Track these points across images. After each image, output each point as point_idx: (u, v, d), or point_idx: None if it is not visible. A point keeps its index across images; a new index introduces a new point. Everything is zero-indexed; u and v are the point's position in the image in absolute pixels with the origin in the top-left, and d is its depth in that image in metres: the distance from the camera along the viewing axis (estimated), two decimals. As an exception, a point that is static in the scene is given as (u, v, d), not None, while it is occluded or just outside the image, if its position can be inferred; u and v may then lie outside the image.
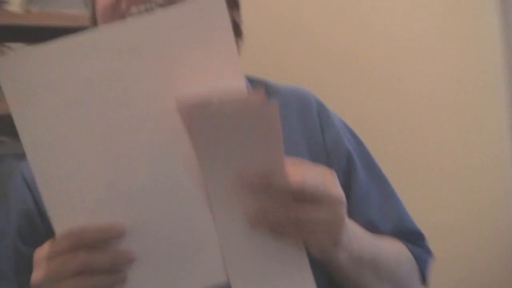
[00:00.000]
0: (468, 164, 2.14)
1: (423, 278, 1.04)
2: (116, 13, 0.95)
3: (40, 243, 0.88)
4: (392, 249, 1.00)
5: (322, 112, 1.08)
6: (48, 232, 0.87)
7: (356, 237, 0.85)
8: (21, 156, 0.74)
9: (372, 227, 0.98)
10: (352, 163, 1.05)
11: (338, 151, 1.05)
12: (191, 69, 0.71)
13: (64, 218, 0.72)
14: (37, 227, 1.00)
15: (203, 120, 0.68)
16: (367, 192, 1.05)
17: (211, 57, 0.71)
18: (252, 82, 1.06)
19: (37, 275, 0.76)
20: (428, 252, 1.06)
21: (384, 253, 0.96)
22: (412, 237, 1.06)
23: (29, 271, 0.89)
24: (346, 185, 1.01)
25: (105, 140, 0.70)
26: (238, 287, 0.75)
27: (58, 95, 0.67)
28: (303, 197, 0.73)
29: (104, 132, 0.69)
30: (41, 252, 0.77)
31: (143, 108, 0.70)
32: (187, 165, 0.72)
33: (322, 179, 0.75)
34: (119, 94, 0.69)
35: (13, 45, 2.64)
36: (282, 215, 0.74)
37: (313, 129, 1.05)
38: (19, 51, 0.65)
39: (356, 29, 2.29)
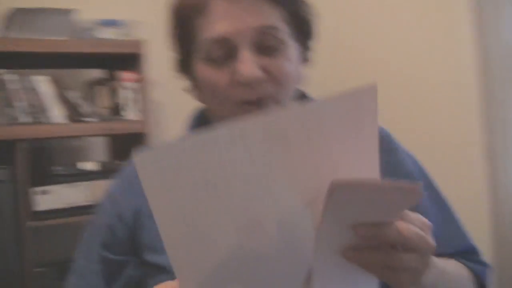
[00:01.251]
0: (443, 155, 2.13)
1: None
2: (229, 98, 1.02)
3: (122, 248, 1.10)
4: (456, 273, 1.06)
5: (388, 142, 1.17)
6: (129, 238, 1.10)
7: (431, 270, 0.87)
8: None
9: None
10: None
11: (399, 172, 1.13)
12: (333, 159, 0.75)
13: (190, 277, 0.77)
14: (118, 234, 1.10)
15: (345, 198, 0.72)
16: (426, 210, 1.04)
17: (355, 150, 0.76)
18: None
19: None
20: (486, 266, 1.13)
21: (451, 279, 1.01)
22: (469, 254, 1.13)
23: (117, 277, 1.10)
24: None
25: (240, 215, 0.74)
26: None
27: (198, 181, 0.71)
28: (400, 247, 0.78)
29: (240, 210, 0.74)
30: None
31: (279, 189, 0.74)
32: (308, 230, 0.77)
33: (421, 231, 0.79)
34: (260, 177, 0.73)
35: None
36: (377, 258, 0.78)
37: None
38: (160, 146, 0.69)
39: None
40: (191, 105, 3.82)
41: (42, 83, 2.76)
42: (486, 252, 1.19)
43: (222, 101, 1.04)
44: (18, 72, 2.76)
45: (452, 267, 1.07)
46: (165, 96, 3.41)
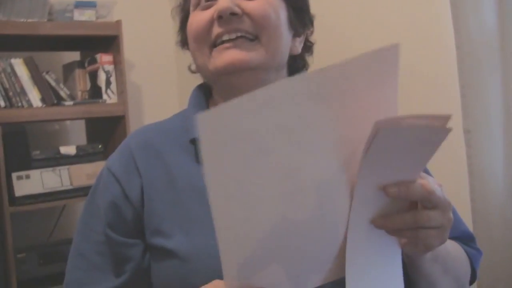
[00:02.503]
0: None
1: (473, 275, 1.14)
2: (208, 40, 1.06)
3: (128, 230, 1.07)
4: (454, 250, 1.09)
5: None
6: (136, 220, 1.06)
7: None
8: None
9: None
10: None
11: None
12: (362, 115, 0.77)
13: (233, 251, 0.78)
14: (125, 214, 1.07)
15: (386, 138, 0.76)
16: None
17: (379, 104, 0.80)
18: None
19: None
20: (479, 252, 1.16)
21: (450, 252, 1.04)
22: (465, 239, 1.16)
23: (123, 259, 1.06)
24: None
25: (285, 178, 0.76)
26: (350, 279, 0.84)
27: (249, 142, 0.72)
28: (425, 204, 0.82)
29: (286, 172, 0.75)
30: None
31: (322, 148, 0.77)
32: (345, 193, 0.81)
33: (440, 187, 0.83)
34: (305, 136, 0.75)
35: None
36: (406, 220, 0.82)
37: None
38: (218, 107, 0.70)
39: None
40: (168, 86, 3.79)
41: (19, 66, 2.71)
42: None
43: (202, 42, 1.07)
44: (-6, 55, 2.71)
45: (452, 245, 1.10)
46: (142, 78, 3.39)
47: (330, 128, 0.77)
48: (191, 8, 1.11)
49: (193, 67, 1.17)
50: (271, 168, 0.74)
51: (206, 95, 1.18)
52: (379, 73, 0.79)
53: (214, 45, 1.05)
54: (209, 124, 0.69)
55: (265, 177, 0.74)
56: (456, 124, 2.02)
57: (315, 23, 1.20)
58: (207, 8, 1.07)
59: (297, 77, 0.75)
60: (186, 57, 1.19)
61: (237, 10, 1.03)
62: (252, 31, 1.04)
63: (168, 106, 3.35)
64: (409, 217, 0.82)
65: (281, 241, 0.79)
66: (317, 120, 0.75)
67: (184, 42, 1.17)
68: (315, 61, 1.21)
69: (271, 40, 1.05)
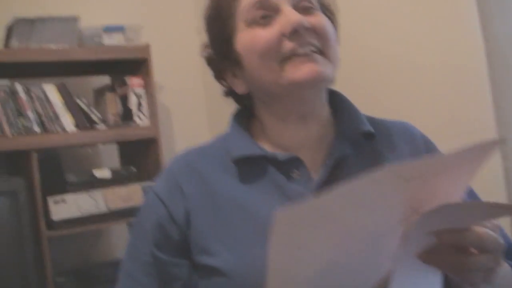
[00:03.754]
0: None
1: None
2: (278, 55, 1.05)
3: (175, 250, 1.09)
4: (507, 269, 1.08)
5: (426, 142, 1.20)
6: (181, 239, 1.08)
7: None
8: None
9: None
10: None
11: None
12: (437, 193, 0.81)
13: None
14: (171, 234, 1.09)
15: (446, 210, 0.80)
16: None
17: (455, 185, 0.84)
18: (369, 118, 1.17)
19: None
20: None
21: (505, 274, 1.03)
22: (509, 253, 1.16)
23: (171, 278, 1.09)
24: None
25: (343, 234, 0.80)
26: None
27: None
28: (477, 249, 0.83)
29: (346, 230, 0.79)
30: None
31: (388, 215, 0.81)
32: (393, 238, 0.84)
33: (494, 233, 0.84)
34: (376, 207, 0.78)
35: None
36: (455, 261, 0.83)
37: (420, 156, 1.15)
38: (296, 206, 0.74)
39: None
40: (198, 108, 3.82)
41: (51, 92, 2.75)
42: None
43: (271, 58, 1.06)
44: (26, 81, 2.75)
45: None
46: (171, 100, 3.42)
47: (402, 202, 0.80)
48: (244, 25, 1.10)
49: (241, 88, 1.15)
50: (332, 229, 0.78)
51: (244, 120, 1.19)
52: (472, 162, 0.83)
53: (285, 61, 1.05)
54: (286, 220, 0.73)
55: (325, 235, 0.78)
56: (490, 134, 2.02)
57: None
58: (266, 24, 1.07)
59: (380, 169, 0.76)
60: (214, 79, 1.19)
61: (308, 24, 1.05)
62: (319, 46, 1.06)
63: (198, 127, 3.38)
64: (457, 261, 0.83)
65: (325, 280, 0.83)
66: (394, 196, 0.78)
67: (219, 58, 1.16)
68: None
69: (334, 55, 1.09)
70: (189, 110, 3.48)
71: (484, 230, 0.82)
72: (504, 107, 1.94)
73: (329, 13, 1.15)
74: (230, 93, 1.19)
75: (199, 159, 1.15)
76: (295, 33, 1.04)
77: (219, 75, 1.18)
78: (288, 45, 1.05)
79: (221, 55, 1.15)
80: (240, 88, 1.15)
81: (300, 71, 1.04)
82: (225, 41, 1.13)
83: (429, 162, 0.80)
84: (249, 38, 1.09)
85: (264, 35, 1.07)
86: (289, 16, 1.05)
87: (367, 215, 0.78)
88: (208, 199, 1.09)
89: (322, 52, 1.06)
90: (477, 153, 0.81)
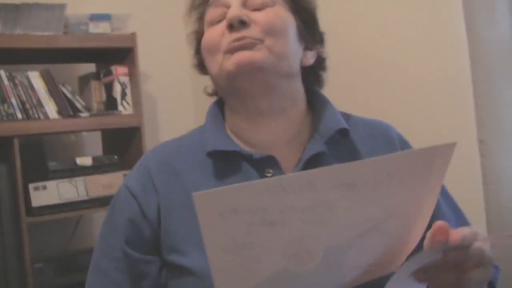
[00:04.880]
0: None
1: None
2: (220, 48, 1.09)
3: (146, 247, 1.09)
4: None
5: (402, 142, 1.21)
6: (153, 236, 1.09)
7: None
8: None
9: None
10: None
11: None
12: (394, 203, 0.81)
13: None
14: (143, 231, 1.10)
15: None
16: (446, 217, 1.13)
17: (415, 197, 0.82)
18: (346, 116, 1.19)
19: None
20: (497, 269, 1.17)
21: None
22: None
23: (141, 275, 1.09)
24: None
25: (290, 243, 0.78)
26: None
27: (253, 215, 0.75)
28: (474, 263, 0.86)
29: (291, 240, 0.78)
30: None
31: (338, 224, 0.79)
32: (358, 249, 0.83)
33: (485, 247, 0.86)
34: (321, 218, 0.77)
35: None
36: (450, 277, 0.86)
37: None
38: (220, 189, 0.75)
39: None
40: (183, 97, 3.80)
41: (35, 79, 2.74)
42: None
43: (216, 52, 1.10)
44: (11, 67, 2.74)
45: None
46: (157, 89, 3.41)
47: (353, 211, 0.79)
48: (205, 27, 1.16)
49: (209, 88, 1.22)
50: (275, 236, 0.77)
51: (222, 111, 1.20)
52: (428, 169, 0.81)
53: (224, 53, 1.09)
54: (207, 205, 0.74)
55: (267, 241, 0.77)
56: (470, 134, 2.04)
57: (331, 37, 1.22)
58: (218, 22, 1.12)
59: (321, 169, 0.77)
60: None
61: (245, 18, 1.08)
62: (258, 37, 1.08)
63: (183, 117, 3.38)
64: (456, 277, 0.86)
65: (280, 286, 0.83)
66: (340, 204, 0.77)
67: (201, 65, 1.21)
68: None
69: (275, 43, 1.08)
70: (175, 100, 3.48)
71: (481, 245, 0.85)
72: (485, 110, 1.95)
73: (297, 6, 1.16)
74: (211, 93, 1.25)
75: (174, 154, 1.15)
76: (231, 27, 1.08)
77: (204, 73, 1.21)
78: (227, 38, 1.09)
79: (197, 57, 1.22)
80: (210, 87, 1.21)
81: (229, 60, 1.07)
82: (198, 43, 1.19)
83: (371, 163, 0.79)
84: (204, 37, 1.15)
85: (211, 31, 1.13)
86: (229, 11, 1.10)
87: (306, 222, 0.77)
88: (181, 196, 1.09)
89: (261, 41, 1.08)
90: (434, 156, 0.81)
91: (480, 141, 1.96)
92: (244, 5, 1.11)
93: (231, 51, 1.07)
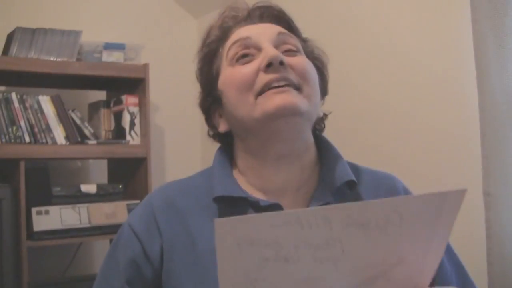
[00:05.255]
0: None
1: None
2: (254, 89, 1.06)
3: (146, 287, 1.09)
4: None
5: (408, 194, 1.20)
6: (154, 277, 1.09)
7: None
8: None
9: None
10: None
11: None
12: (402, 248, 0.81)
13: None
14: (144, 272, 1.09)
15: None
16: (447, 272, 1.13)
17: (424, 244, 0.82)
18: (354, 167, 1.18)
19: None
20: None
21: None
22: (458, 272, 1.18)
23: None
24: None
25: (301, 282, 0.79)
26: None
27: (268, 250, 0.76)
28: None
29: (303, 279, 0.79)
30: None
31: (347, 266, 0.79)
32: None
33: None
34: (332, 254, 0.77)
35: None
36: None
37: None
38: (240, 218, 0.79)
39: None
40: (192, 130, 3.80)
41: (46, 103, 2.76)
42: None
43: (247, 92, 1.07)
44: (22, 90, 2.76)
45: None
46: (166, 121, 3.42)
47: (364, 252, 0.79)
48: (227, 64, 1.12)
49: (224, 126, 1.16)
50: (287, 274, 0.77)
51: (229, 155, 1.18)
52: (437, 214, 0.81)
53: (259, 94, 1.06)
54: (227, 232, 0.75)
55: (279, 279, 0.78)
56: (476, 187, 2.04)
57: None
58: (246, 63, 1.09)
59: (335, 206, 0.78)
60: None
61: (285, 60, 1.07)
62: (296, 83, 1.06)
63: (190, 150, 3.38)
64: None
65: None
66: (352, 244, 0.78)
67: (215, 103, 1.17)
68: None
69: (312, 93, 1.08)
70: (182, 132, 3.49)
71: None
72: (492, 162, 1.95)
73: (317, 61, 1.16)
74: (214, 135, 1.20)
75: (179, 195, 1.14)
76: (271, 66, 1.05)
77: (208, 117, 1.19)
78: (263, 78, 1.06)
79: (207, 94, 1.17)
80: (222, 126, 1.15)
81: (271, 101, 1.04)
82: (211, 80, 1.16)
83: (384, 203, 0.79)
84: (229, 74, 1.11)
85: (243, 71, 1.09)
86: (267, 51, 1.07)
87: (320, 261, 0.78)
88: (185, 239, 1.08)
89: (298, 88, 1.07)
90: (443, 201, 0.80)
91: (486, 194, 1.95)
92: (276, 48, 1.09)
93: (269, 93, 1.05)
